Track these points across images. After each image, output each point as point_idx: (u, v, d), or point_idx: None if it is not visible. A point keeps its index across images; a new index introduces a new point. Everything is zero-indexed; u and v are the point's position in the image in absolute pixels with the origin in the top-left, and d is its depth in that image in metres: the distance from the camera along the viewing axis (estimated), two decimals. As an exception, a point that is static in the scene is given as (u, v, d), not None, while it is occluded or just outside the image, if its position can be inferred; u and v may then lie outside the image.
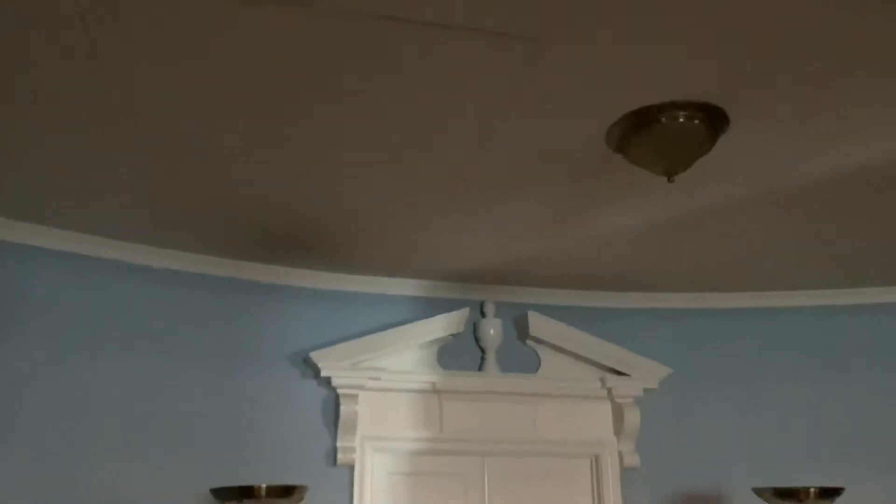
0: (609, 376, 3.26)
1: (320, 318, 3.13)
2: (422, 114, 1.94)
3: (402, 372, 3.10)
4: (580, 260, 3.05)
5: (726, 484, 3.18)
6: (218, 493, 2.35)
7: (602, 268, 3.14)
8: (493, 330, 3.24)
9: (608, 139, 2.02)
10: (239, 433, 2.87)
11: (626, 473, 3.23)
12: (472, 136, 2.05)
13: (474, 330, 3.27)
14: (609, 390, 3.25)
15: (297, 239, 2.82)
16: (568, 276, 3.25)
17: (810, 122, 2.00)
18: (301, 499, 2.40)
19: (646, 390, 3.27)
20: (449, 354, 3.22)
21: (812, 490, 2.70)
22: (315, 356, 2.96)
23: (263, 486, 2.32)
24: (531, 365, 3.30)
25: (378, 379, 3.04)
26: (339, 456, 2.96)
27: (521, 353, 3.30)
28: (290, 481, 2.47)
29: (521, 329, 3.31)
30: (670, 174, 1.94)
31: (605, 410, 3.28)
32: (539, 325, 3.24)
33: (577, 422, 3.24)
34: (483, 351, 3.26)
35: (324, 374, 2.97)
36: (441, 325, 3.17)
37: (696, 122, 1.86)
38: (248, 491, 2.30)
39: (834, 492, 2.72)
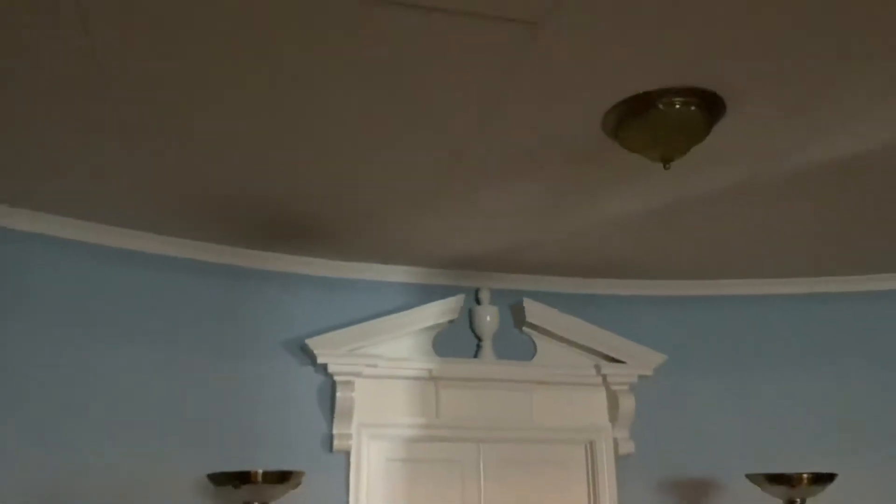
0: (604, 363, 3.27)
1: (317, 305, 3.13)
2: (417, 100, 1.94)
3: (398, 359, 3.11)
4: (576, 247, 3.05)
5: (720, 470, 3.21)
6: (215, 478, 2.36)
7: (598, 255, 3.14)
8: (488, 317, 3.25)
9: (604, 125, 2.02)
10: (236, 420, 2.87)
11: (621, 460, 3.25)
12: (468, 122, 2.05)
13: (470, 317, 3.28)
14: (604, 377, 3.26)
15: (294, 226, 2.81)
16: (563, 263, 3.26)
17: (807, 109, 2.00)
18: (297, 484, 2.41)
19: (641, 377, 3.28)
20: (445, 341, 3.22)
21: (805, 476, 2.72)
22: (311, 343, 2.97)
23: (260, 471, 2.32)
24: (527, 352, 3.31)
25: (374, 366, 3.05)
26: (336, 442, 2.97)
27: (517, 340, 3.31)
28: (286, 467, 2.49)
29: (516, 316, 3.32)
30: (666, 161, 1.93)
31: (601, 397, 3.30)
32: (535, 312, 3.25)
33: (573, 408, 3.26)
34: (479, 338, 3.27)
35: (320, 360, 2.98)
36: (437, 312, 3.17)
37: (693, 108, 1.86)
38: (244, 476, 2.32)
39: (826, 478, 2.74)
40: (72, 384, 2.64)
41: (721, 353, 3.42)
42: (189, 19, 1.63)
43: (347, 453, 2.99)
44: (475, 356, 3.25)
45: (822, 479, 2.74)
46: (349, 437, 2.99)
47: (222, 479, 2.34)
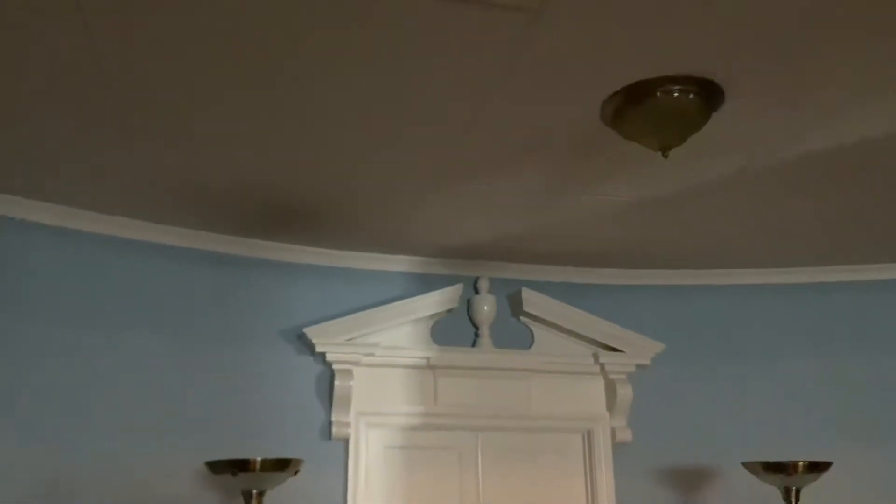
0: (602, 352, 3.28)
1: (315, 294, 3.14)
2: (416, 89, 1.93)
3: (396, 348, 3.12)
4: (574, 236, 3.05)
5: (717, 459, 3.22)
6: (213, 466, 2.37)
7: (596, 244, 3.15)
8: (486, 306, 3.25)
9: (602, 114, 2.01)
10: (235, 408, 2.88)
11: (618, 448, 3.27)
12: (467, 110, 2.04)
13: (468, 306, 3.29)
14: (602, 366, 3.27)
15: (292, 215, 2.81)
16: (562, 253, 3.26)
17: (806, 97, 1.99)
18: (296, 472, 2.41)
19: (638, 366, 3.29)
20: (443, 330, 3.23)
21: (800, 464, 2.73)
22: (310, 332, 2.97)
23: (258, 459, 2.33)
24: (525, 341, 3.32)
25: (372, 355, 3.05)
26: (334, 430, 2.98)
27: (515, 329, 3.32)
28: (285, 455, 2.48)
29: (514, 305, 3.33)
30: (665, 149, 1.93)
31: (598, 386, 3.31)
32: (533, 301, 3.26)
33: (570, 397, 3.27)
34: (477, 327, 3.28)
35: (318, 349, 2.98)
36: (435, 301, 3.18)
37: (691, 96, 1.86)
38: (242, 464, 2.32)
39: (822, 466, 2.76)
40: (70, 374, 2.64)
41: (719, 343, 3.43)
42: (187, 17, 1.62)
43: (346, 441, 3.00)
44: (473, 345, 3.26)
45: (818, 468, 2.75)
46: (348, 425, 3.00)
47: (221, 467, 2.35)
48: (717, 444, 3.26)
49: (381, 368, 3.10)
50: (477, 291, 3.30)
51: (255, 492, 2.34)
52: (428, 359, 3.14)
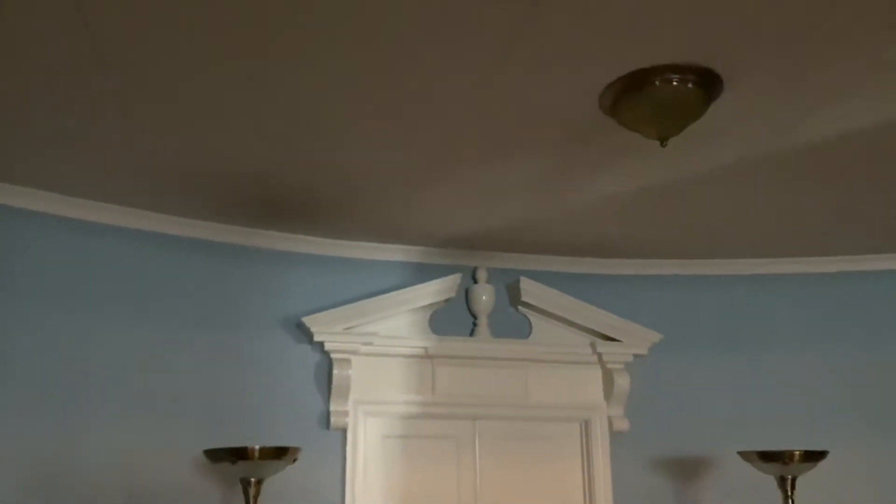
0: (600, 342, 3.29)
1: (313, 283, 3.14)
2: (414, 77, 1.92)
3: (394, 337, 3.12)
4: (572, 226, 3.05)
5: (713, 448, 3.24)
6: (211, 454, 2.37)
7: (594, 234, 3.15)
8: (484, 296, 3.26)
9: (601, 102, 2.01)
10: (233, 397, 2.89)
11: (615, 437, 3.28)
12: (465, 100, 2.04)
13: (466, 295, 3.29)
14: (599, 355, 3.28)
15: (290, 204, 2.81)
16: (560, 243, 3.26)
17: (806, 86, 1.99)
18: (294, 460, 2.42)
19: (636, 356, 3.30)
20: (441, 320, 3.23)
21: (796, 453, 2.75)
22: (308, 321, 2.97)
23: (256, 447, 2.34)
24: (522, 330, 3.32)
25: (371, 344, 3.06)
26: (332, 419, 2.99)
27: (513, 319, 3.33)
28: (283, 444, 2.49)
29: (512, 295, 3.33)
30: (663, 138, 1.93)
31: (596, 375, 3.32)
32: (531, 290, 3.26)
33: (568, 386, 3.28)
34: (475, 316, 3.28)
35: (317, 338, 2.99)
36: (433, 291, 3.18)
37: (690, 85, 1.85)
38: (241, 452, 2.32)
39: (817, 455, 2.77)
40: (68, 361, 2.64)
41: (716, 333, 3.44)
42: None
43: (344, 430, 3.01)
44: (471, 335, 3.26)
45: (814, 457, 2.76)
46: (346, 414, 3.01)
47: (219, 455, 2.35)
48: (714, 433, 3.27)
49: (380, 358, 3.10)
50: (475, 281, 3.30)
51: (253, 480, 2.35)
52: (426, 348, 3.14)
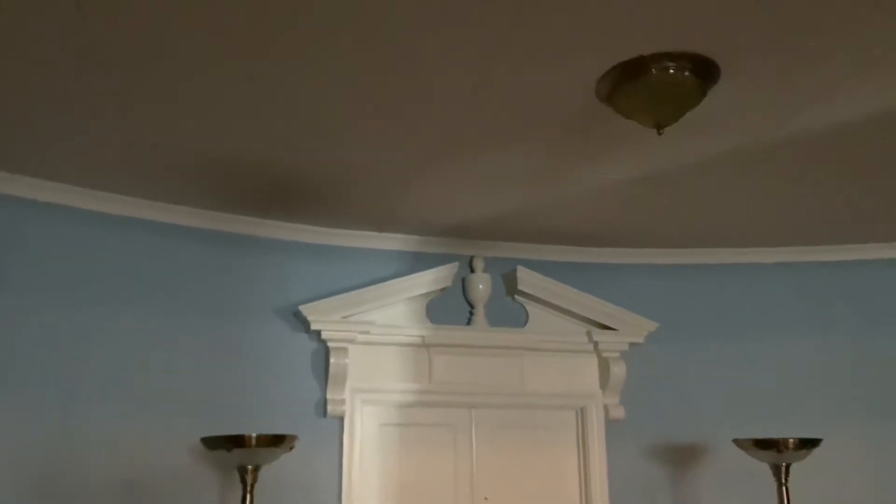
0: (596, 330, 3.30)
1: (310, 272, 3.14)
2: (411, 66, 1.92)
3: (391, 326, 3.13)
4: (569, 214, 3.05)
5: (708, 436, 3.26)
6: (208, 442, 2.38)
7: (591, 223, 3.15)
8: (481, 285, 3.26)
9: (598, 91, 2.00)
10: (230, 385, 2.89)
11: (611, 425, 3.30)
12: (462, 88, 2.03)
13: (463, 285, 3.30)
14: (595, 344, 3.29)
15: (288, 193, 2.80)
16: (557, 231, 3.26)
17: (802, 75, 1.98)
18: (291, 448, 2.43)
19: (632, 344, 3.32)
20: (438, 309, 3.24)
21: (791, 441, 2.76)
22: (305, 310, 2.98)
23: (253, 435, 2.34)
24: (519, 319, 3.33)
25: (368, 333, 3.06)
26: (329, 407, 3.00)
27: (510, 308, 3.33)
28: (280, 432, 2.50)
29: (509, 284, 3.34)
30: (659, 126, 1.93)
31: (592, 364, 3.34)
32: (527, 279, 3.26)
33: (564, 375, 3.29)
34: (471, 305, 3.29)
35: (314, 327, 2.99)
36: (430, 280, 3.18)
37: (687, 73, 1.85)
38: (238, 440, 2.33)
39: (812, 443, 2.78)
40: (65, 350, 2.64)
41: (712, 321, 3.45)
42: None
43: (341, 418, 3.02)
44: (468, 323, 3.27)
45: (808, 444, 2.78)
46: (343, 402, 3.02)
47: (216, 443, 2.36)
48: (709, 421, 3.29)
49: (377, 346, 3.11)
50: (472, 270, 3.30)
51: (250, 467, 2.36)
52: (423, 337, 3.15)
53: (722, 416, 3.29)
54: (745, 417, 3.25)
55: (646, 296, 3.43)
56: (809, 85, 2.04)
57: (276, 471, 2.55)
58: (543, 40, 1.81)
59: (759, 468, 2.89)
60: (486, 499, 3.14)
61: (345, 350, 3.03)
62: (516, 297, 3.34)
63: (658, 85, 1.85)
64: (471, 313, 3.29)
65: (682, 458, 3.30)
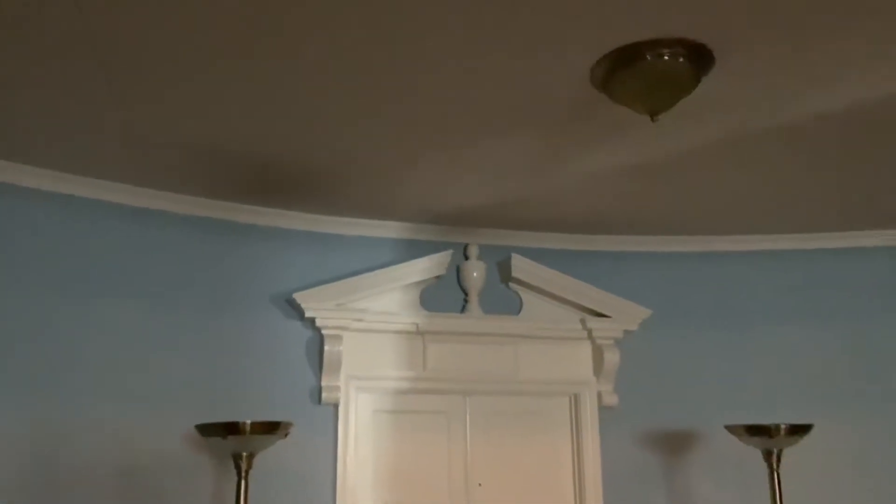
0: (590, 318, 3.31)
1: (304, 259, 3.14)
2: (405, 54, 1.91)
3: (385, 313, 3.13)
4: (564, 202, 3.05)
5: (701, 422, 3.28)
6: (203, 429, 2.39)
7: (585, 210, 3.15)
8: (475, 272, 3.27)
9: (592, 77, 2.00)
10: (225, 373, 2.90)
11: (604, 412, 3.32)
12: (456, 76, 2.02)
13: (457, 272, 3.30)
14: (589, 331, 3.31)
15: (282, 180, 2.79)
16: (551, 219, 3.26)
17: (797, 61, 1.98)
18: (286, 435, 2.44)
19: (626, 332, 3.33)
20: (432, 296, 3.24)
21: (782, 427, 2.78)
22: (299, 297, 2.97)
23: (248, 422, 2.35)
24: (513, 307, 3.34)
25: (362, 320, 3.07)
26: (324, 395, 3.01)
27: (504, 296, 3.34)
28: (275, 419, 2.51)
29: (503, 271, 3.34)
30: (654, 113, 1.92)
31: (586, 351, 3.35)
32: (521, 267, 3.27)
33: (558, 362, 3.31)
34: (466, 293, 3.29)
35: (308, 315, 2.99)
36: (424, 268, 3.18)
37: (681, 60, 1.84)
38: (232, 427, 2.34)
39: (803, 429, 2.81)
40: (60, 339, 2.64)
41: (706, 309, 3.47)
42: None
43: (336, 405, 3.03)
44: (462, 311, 3.27)
45: (799, 430, 2.80)
46: (337, 389, 3.03)
47: (211, 430, 2.37)
48: (702, 407, 3.31)
49: (371, 334, 3.11)
50: (466, 258, 3.30)
51: (244, 454, 2.37)
52: (417, 324, 3.15)
53: (715, 402, 3.31)
54: (738, 404, 3.28)
55: (640, 283, 3.44)
56: (803, 72, 2.04)
57: (270, 458, 2.56)
58: (538, 27, 1.80)
59: (752, 454, 2.92)
60: (479, 485, 3.16)
61: (339, 337, 3.03)
62: (510, 284, 3.34)
63: (652, 72, 1.85)
64: (465, 301, 3.29)
65: (675, 444, 3.33)
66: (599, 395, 3.31)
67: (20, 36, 1.82)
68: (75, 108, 2.20)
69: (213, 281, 2.97)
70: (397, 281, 3.15)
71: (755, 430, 2.80)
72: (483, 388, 3.23)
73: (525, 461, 3.23)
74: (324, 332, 3.02)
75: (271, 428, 2.38)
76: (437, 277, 3.24)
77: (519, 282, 3.31)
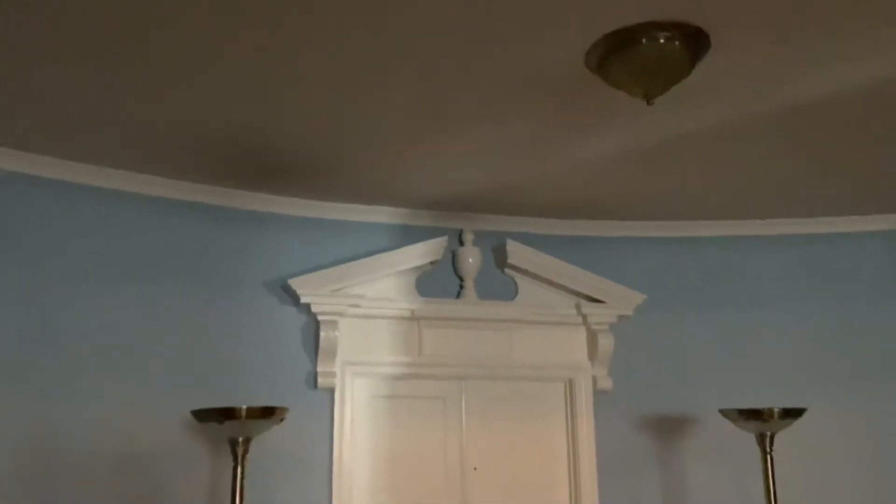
0: (584, 303, 3.32)
1: (300, 245, 3.13)
2: (401, 37, 1.89)
3: (381, 299, 3.13)
4: (558, 187, 3.05)
5: (695, 406, 3.30)
6: (199, 414, 2.38)
7: (580, 195, 3.15)
8: (471, 258, 3.27)
9: (588, 61, 1.99)
10: (221, 359, 2.90)
11: (599, 396, 3.33)
12: (450, 59, 2.01)
13: (453, 258, 3.30)
14: (584, 316, 3.32)
15: (277, 165, 2.78)
16: (546, 205, 3.26)
17: (793, 46, 1.98)
18: (281, 420, 2.44)
19: (620, 317, 3.34)
20: (428, 282, 3.25)
21: (775, 411, 2.81)
22: (294, 283, 2.97)
23: (244, 407, 2.35)
24: (508, 292, 3.35)
25: (358, 306, 3.07)
26: (320, 380, 3.02)
27: (499, 281, 3.34)
28: (271, 404, 2.51)
29: (499, 257, 3.34)
30: (649, 97, 1.92)
31: (580, 336, 3.36)
32: (517, 253, 3.27)
33: (553, 347, 3.32)
34: (461, 279, 3.30)
35: (303, 300, 2.99)
36: (420, 253, 3.18)
37: (677, 43, 1.84)
38: (228, 412, 2.33)
39: (795, 413, 2.83)
40: (52, 327, 2.63)
41: (700, 294, 3.48)
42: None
43: (331, 391, 3.04)
44: (457, 297, 3.28)
45: (792, 414, 2.82)
46: (333, 374, 3.03)
47: (207, 416, 2.36)
48: (696, 392, 3.33)
49: (366, 319, 3.12)
50: (462, 243, 3.30)
51: (241, 439, 2.37)
52: (413, 310, 3.16)
53: (708, 387, 3.33)
54: (732, 388, 3.29)
55: (634, 268, 3.44)
56: (800, 56, 2.03)
57: (267, 443, 2.57)
58: (533, 10, 1.79)
59: (745, 438, 2.94)
60: (475, 469, 3.18)
61: (335, 323, 3.03)
62: (506, 270, 3.35)
63: (648, 55, 1.84)
64: (460, 286, 3.29)
65: (668, 428, 3.35)
66: (594, 380, 3.33)
67: (18, 23, 1.79)
68: (68, 94, 2.18)
69: (208, 267, 2.96)
70: (393, 267, 3.15)
71: (748, 414, 2.83)
72: (478, 373, 3.24)
73: (520, 445, 3.25)
74: (319, 317, 3.02)
75: (267, 413, 2.38)
76: (433, 263, 3.24)
77: (514, 267, 3.31)
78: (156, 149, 2.62)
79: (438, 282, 3.27)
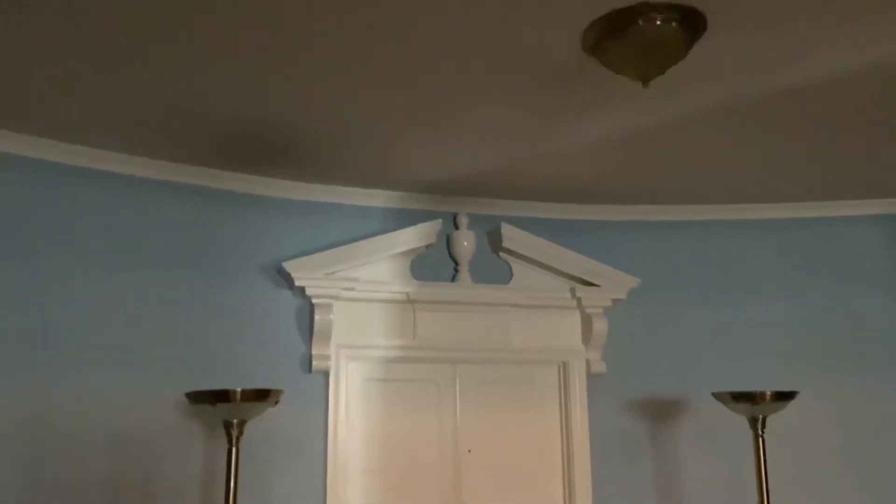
0: (579, 287, 3.32)
1: (294, 228, 3.12)
2: (395, 21, 1.88)
3: (375, 282, 3.13)
4: (553, 171, 3.04)
5: (688, 389, 3.32)
6: (193, 397, 2.39)
7: (575, 179, 3.14)
8: (465, 242, 3.26)
9: (583, 42, 1.97)
10: (215, 341, 2.90)
11: (593, 380, 3.35)
12: (445, 42, 2.00)
13: (447, 241, 3.30)
14: (578, 300, 3.32)
15: (271, 148, 2.76)
16: (541, 188, 3.25)
17: (790, 27, 1.96)
18: (276, 402, 2.44)
19: (614, 300, 3.35)
20: (422, 265, 3.24)
21: (768, 393, 2.82)
22: (289, 266, 2.96)
23: (238, 389, 2.35)
24: (503, 276, 3.35)
25: (352, 289, 3.06)
26: (315, 363, 3.02)
27: (494, 265, 3.34)
28: (265, 387, 2.51)
29: (493, 241, 3.34)
30: (645, 79, 1.91)
31: (575, 320, 3.37)
32: (511, 236, 3.27)
33: (547, 331, 3.33)
34: (456, 262, 3.29)
35: (298, 283, 2.99)
36: (414, 237, 3.18)
37: (673, 24, 1.82)
38: (222, 395, 2.34)
39: (787, 396, 2.85)
40: (44, 309, 2.62)
41: (694, 278, 3.49)
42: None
43: (326, 373, 3.04)
44: (452, 280, 3.28)
45: (784, 397, 2.84)
46: (328, 357, 3.03)
47: (201, 398, 2.37)
48: (689, 375, 3.35)
49: (361, 303, 3.12)
50: (456, 227, 3.30)
51: (235, 422, 2.37)
52: (407, 294, 3.16)
53: (702, 370, 3.35)
54: (725, 372, 3.31)
55: (629, 252, 3.45)
56: (797, 38, 2.02)
57: (261, 425, 2.58)
58: (529, -11, 1.77)
59: (737, 421, 2.96)
60: (469, 452, 3.20)
61: (329, 306, 3.03)
62: (500, 253, 3.35)
63: (644, 36, 1.83)
64: (455, 270, 3.29)
65: (662, 411, 3.37)
66: (588, 363, 3.34)
67: (8, 4, 1.77)
68: (67, 75, 2.16)
69: (202, 249, 2.95)
70: (387, 250, 3.15)
71: (741, 397, 2.84)
72: (473, 357, 3.25)
73: (514, 428, 3.27)
74: (314, 300, 3.02)
75: (261, 395, 2.38)
76: (428, 246, 3.24)
77: (509, 251, 3.31)
78: (152, 132, 2.60)
79: (433, 265, 3.26)
